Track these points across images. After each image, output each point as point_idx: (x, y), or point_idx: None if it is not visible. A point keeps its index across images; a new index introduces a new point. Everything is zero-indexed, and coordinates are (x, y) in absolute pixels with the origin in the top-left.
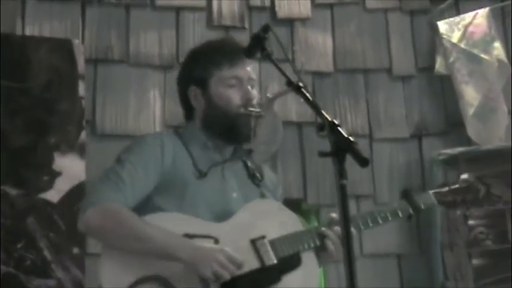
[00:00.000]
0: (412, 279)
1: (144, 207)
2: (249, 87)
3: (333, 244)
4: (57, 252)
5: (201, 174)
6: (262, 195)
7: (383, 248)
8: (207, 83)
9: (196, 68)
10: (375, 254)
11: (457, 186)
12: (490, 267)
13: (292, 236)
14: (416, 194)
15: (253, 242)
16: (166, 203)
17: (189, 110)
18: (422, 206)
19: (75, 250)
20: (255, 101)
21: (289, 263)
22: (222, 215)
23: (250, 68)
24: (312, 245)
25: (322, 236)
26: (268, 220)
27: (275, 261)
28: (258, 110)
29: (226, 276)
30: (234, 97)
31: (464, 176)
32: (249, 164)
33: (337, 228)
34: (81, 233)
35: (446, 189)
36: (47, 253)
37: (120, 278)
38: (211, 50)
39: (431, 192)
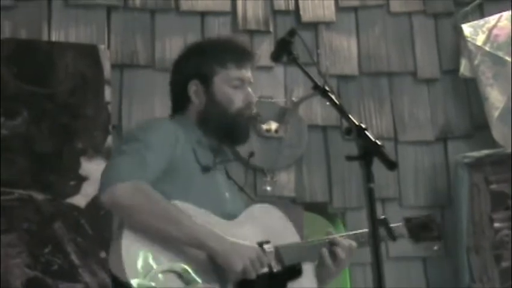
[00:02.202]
0: (438, 282)
1: None
2: (249, 89)
3: (343, 252)
4: (85, 257)
5: (205, 169)
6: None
7: (409, 251)
8: (211, 80)
9: (202, 63)
10: (400, 257)
11: (419, 220)
12: None
13: (297, 245)
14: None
15: (260, 245)
16: (171, 191)
17: (182, 103)
18: (395, 237)
19: (103, 254)
20: (254, 104)
21: (292, 272)
22: (220, 213)
23: (250, 69)
24: (314, 259)
25: (333, 244)
26: (271, 226)
27: (281, 268)
28: (256, 113)
29: (253, 275)
30: (237, 98)
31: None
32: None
33: (347, 240)
34: (107, 207)
35: (411, 222)
36: (74, 257)
37: (141, 264)
38: (219, 48)
39: (401, 224)
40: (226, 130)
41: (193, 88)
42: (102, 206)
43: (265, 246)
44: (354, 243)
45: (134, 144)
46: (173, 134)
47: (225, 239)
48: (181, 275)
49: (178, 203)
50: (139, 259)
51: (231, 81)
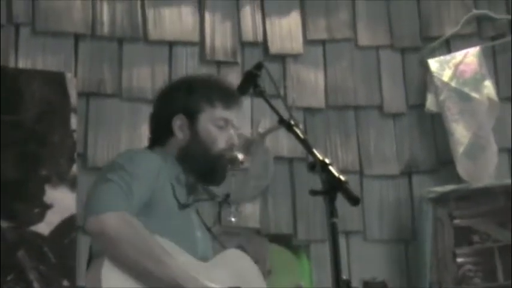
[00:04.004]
0: None
1: None
2: (233, 132)
3: None
4: (47, 285)
5: (183, 206)
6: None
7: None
8: (197, 117)
9: (190, 99)
10: None
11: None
12: None
13: None
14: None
15: None
16: (151, 226)
17: (163, 136)
18: None
19: (65, 283)
20: (236, 147)
21: None
22: (193, 253)
23: (236, 113)
24: None
25: None
26: (242, 272)
27: None
28: (239, 157)
29: None
30: (220, 139)
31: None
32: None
33: None
34: (92, 234)
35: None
36: (36, 286)
37: None
38: (209, 86)
39: None
40: (205, 169)
41: (178, 123)
42: (87, 232)
43: None
44: None
45: (120, 173)
46: (157, 166)
47: (201, 283)
48: None
49: (159, 239)
50: None
51: (216, 120)
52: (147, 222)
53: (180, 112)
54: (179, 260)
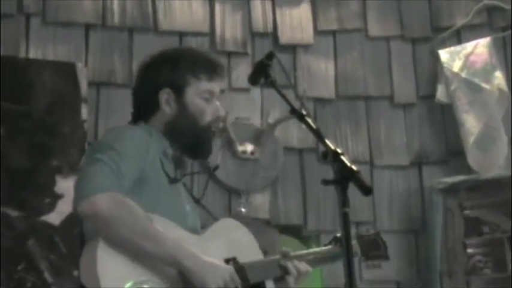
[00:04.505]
0: None
1: None
2: (218, 102)
3: (292, 279)
4: (58, 275)
5: (173, 181)
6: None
7: (382, 275)
8: (184, 90)
9: (175, 73)
10: (374, 281)
11: (369, 237)
12: None
13: (260, 263)
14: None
15: (227, 262)
16: (142, 203)
17: (148, 110)
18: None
19: (76, 273)
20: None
21: None
22: (183, 226)
23: (220, 83)
24: (276, 275)
25: (284, 270)
26: (237, 242)
27: (246, 286)
28: (223, 127)
29: None
30: (207, 111)
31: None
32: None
33: (296, 262)
34: (85, 216)
35: (362, 239)
36: (47, 275)
37: (116, 275)
38: (193, 59)
39: (355, 241)
40: (193, 143)
41: (165, 96)
42: (79, 215)
43: (232, 264)
44: (306, 270)
45: (109, 153)
46: (145, 142)
47: (199, 257)
48: None
49: (152, 216)
50: (114, 273)
51: (202, 93)
52: (138, 199)
53: (166, 86)
54: (175, 236)
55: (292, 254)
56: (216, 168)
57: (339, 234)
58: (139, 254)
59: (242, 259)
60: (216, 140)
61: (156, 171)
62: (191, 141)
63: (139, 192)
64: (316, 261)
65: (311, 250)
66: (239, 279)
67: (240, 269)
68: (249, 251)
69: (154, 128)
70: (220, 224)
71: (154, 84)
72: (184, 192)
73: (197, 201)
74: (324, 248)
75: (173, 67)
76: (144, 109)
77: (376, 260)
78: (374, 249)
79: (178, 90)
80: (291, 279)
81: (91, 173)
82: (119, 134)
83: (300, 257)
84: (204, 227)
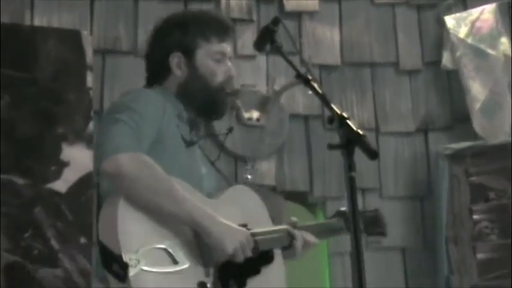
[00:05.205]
0: (416, 272)
1: None
2: (229, 63)
3: (299, 244)
4: (65, 242)
5: (190, 143)
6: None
7: (387, 242)
8: (194, 53)
9: (185, 36)
10: (379, 248)
11: (368, 215)
12: (495, 261)
13: (270, 232)
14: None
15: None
16: (159, 165)
17: (160, 74)
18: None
19: (83, 240)
20: (234, 78)
21: (265, 258)
22: (199, 189)
23: (231, 44)
24: (284, 244)
25: (292, 236)
26: (249, 209)
27: (258, 253)
28: (235, 89)
29: (241, 258)
30: (219, 72)
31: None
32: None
33: (304, 233)
34: (108, 175)
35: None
36: (54, 243)
37: (135, 238)
38: (202, 21)
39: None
40: (206, 104)
41: (176, 60)
42: (102, 174)
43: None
44: (313, 241)
45: (130, 114)
46: (162, 105)
47: (218, 219)
48: (170, 253)
49: (174, 179)
50: (134, 233)
51: (213, 54)
52: (155, 161)
53: (176, 50)
54: (194, 197)
55: (299, 225)
56: (231, 130)
57: (343, 208)
58: (161, 214)
59: (253, 227)
60: (229, 101)
61: (172, 134)
62: (204, 102)
63: (157, 153)
64: (322, 233)
65: (318, 222)
66: (254, 244)
67: (252, 235)
68: (260, 219)
69: (169, 91)
70: (234, 190)
71: (165, 48)
72: (200, 154)
73: (212, 163)
74: (330, 220)
75: (183, 31)
76: (157, 73)
77: (376, 236)
78: (375, 225)
79: (189, 54)
80: (299, 246)
81: (112, 133)
82: (135, 95)
83: (307, 228)
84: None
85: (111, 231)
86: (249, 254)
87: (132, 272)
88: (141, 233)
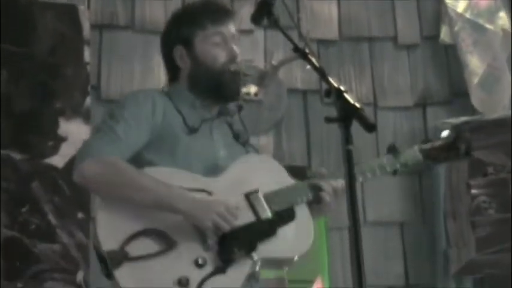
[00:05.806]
0: (414, 246)
1: (135, 163)
2: (233, 45)
3: (328, 196)
4: (62, 217)
5: (192, 130)
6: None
7: (386, 216)
8: (192, 42)
9: (181, 29)
10: (377, 222)
11: (440, 143)
12: (493, 236)
13: (285, 190)
14: (402, 149)
15: (247, 196)
16: (158, 159)
17: (174, 71)
18: (409, 162)
19: (80, 215)
20: (239, 58)
21: (284, 216)
22: (212, 171)
23: (232, 26)
24: (305, 198)
25: (317, 189)
26: (260, 174)
27: (270, 215)
28: (243, 67)
29: (226, 227)
30: (219, 55)
31: (445, 133)
32: (234, 125)
33: (331, 182)
34: (78, 184)
35: (429, 145)
36: (51, 217)
37: (116, 232)
38: (194, 11)
39: (416, 147)
40: (212, 87)
41: (178, 53)
42: (76, 183)
43: (252, 196)
44: (342, 186)
45: (108, 121)
46: (150, 103)
47: (189, 197)
48: (161, 235)
49: (150, 169)
50: (115, 229)
51: (210, 38)
52: (155, 158)
53: (177, 43)
54: (179, 181)
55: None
56: (241, 108)
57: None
58: (132, 203)
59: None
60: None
61: (170, 127)
62: (210, 86)
63: (155, 150)
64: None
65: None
66: (245, 206)
67: (264, 198)
68: (283, 180)
69: (181, 86)
70: (240, 162)
71: (169, 46)
72: (221, 138)
73: (237, 139)
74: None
75: (178, 24)
76: (171, 72)
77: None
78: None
79: (188, 44)
80: (327, 197)
81: (86, 143)
82: (123, 100)
83: (336, 176)
84: None
85: (95, 234)
86: (233, 221)
87: (116, 269)
88: (124, 228)
